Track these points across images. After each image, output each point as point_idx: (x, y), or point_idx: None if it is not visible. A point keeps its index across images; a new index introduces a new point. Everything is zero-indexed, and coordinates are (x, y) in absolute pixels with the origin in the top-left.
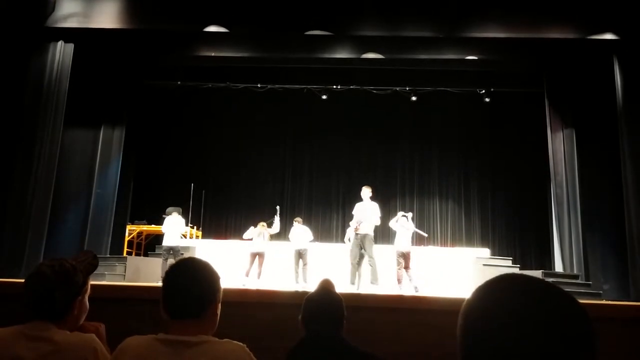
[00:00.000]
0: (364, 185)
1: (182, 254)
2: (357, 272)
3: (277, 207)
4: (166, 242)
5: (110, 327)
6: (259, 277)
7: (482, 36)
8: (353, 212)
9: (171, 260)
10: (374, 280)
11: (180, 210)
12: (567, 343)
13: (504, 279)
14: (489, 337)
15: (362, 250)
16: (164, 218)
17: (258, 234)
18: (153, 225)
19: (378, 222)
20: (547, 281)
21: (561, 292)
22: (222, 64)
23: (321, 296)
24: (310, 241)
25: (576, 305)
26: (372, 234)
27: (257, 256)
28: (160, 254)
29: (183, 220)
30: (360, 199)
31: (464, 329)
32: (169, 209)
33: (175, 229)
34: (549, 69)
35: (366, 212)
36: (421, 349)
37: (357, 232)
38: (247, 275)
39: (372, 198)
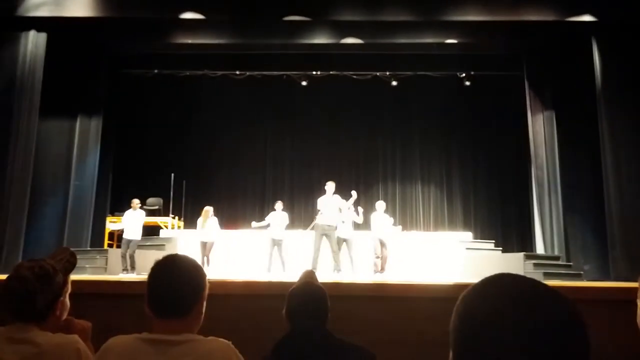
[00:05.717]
0: (329, 180)
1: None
2: (318, 259)
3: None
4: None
5: (92, 322)
6: (208, 264)
7: (461, 19)
8: (318, 207)
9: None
10: (337, 268)
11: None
12: (564, 350)
13: (498, 278)
14: (485, 341)
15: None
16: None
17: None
18: None
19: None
20: (544, 284)
21: (559, 296)
22: (199, 51)
23: (304, 290)
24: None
25: (573, 309)
26: (334, 226)
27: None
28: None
29: (143, 212)
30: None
31: (459, 330)
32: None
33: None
34: (529, 52)
35: (329, 205)
36: (406, 336)
37: (319, 224)
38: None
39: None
